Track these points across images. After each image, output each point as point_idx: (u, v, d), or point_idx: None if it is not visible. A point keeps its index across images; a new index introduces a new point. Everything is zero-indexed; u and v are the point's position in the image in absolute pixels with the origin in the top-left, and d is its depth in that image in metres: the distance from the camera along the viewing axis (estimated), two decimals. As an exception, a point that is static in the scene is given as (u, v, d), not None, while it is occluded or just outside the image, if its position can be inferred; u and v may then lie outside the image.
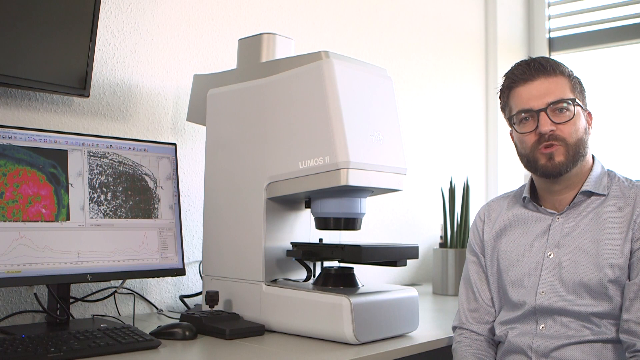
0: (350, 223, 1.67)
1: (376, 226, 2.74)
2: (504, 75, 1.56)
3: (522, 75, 1.50)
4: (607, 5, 3.38)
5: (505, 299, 1.56)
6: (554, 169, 1.47)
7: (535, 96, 1.48)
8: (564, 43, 3.51)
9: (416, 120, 3.02)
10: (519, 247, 1.56)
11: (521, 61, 1.54)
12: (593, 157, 1.57)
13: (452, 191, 2.68)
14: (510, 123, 1.55)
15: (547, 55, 3.51)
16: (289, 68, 1.64)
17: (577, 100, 1.48)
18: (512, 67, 1.55)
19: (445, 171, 3.04)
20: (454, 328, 1.66)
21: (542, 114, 1.46)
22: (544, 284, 1.48)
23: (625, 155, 3.16)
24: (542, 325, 1.47)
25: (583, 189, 1.50)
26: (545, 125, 1.46)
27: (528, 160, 1.52)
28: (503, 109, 1.59)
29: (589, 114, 1.54)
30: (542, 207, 1.56)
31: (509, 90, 1.54)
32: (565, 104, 1.46)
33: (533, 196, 1.59)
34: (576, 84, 1.51)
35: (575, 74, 1.54)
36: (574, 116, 1.47)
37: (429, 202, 3.00)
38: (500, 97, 1.59)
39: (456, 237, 2.63)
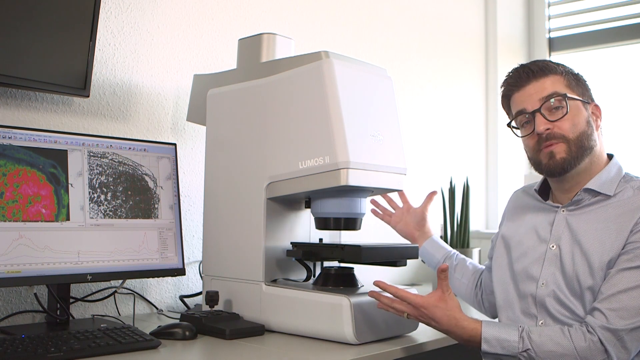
0: (350, 223, 1.67)
1: (376, 226, 2.73)
2: (501, 85, 1.60)
3: (515, 82, 1.55)
4: (607, 5, 3.38)
5: (516, 287, 1.56)
6: (556, 166, 1.48)
7: (528, 99, 1.51)
8: (564, 43, 3.51)
9: (416, 120, 3.02)
10: (528, 237, 1.57)
11: (513, 69, 1.57)
12: (610, 156, 1.55)
13: (452, 191, 2.68)
14: (513, 129, 1.59)
15: (547, 56, 3.52)
16: (289, 68, 1.64)
17: (569, 95, 1.48)
18: (506, 76, 1.59)
19: (445, 171, 3.04)
20: None
21: (537, 114, 1.48)
22: (545, 276, 1.49)
23: (626, 155, 3.16)
24: (542, 322, 1.47)
25: (586, 186, 1.49)
26: (541, 125, 1.48)
27: (534, 163, 1.54)
28: (508, 117, 1.62)
29: (596, 106, 1.53)
30: (548, 201, 1.57)
31: (508, 98, 1.59)
32: (555, 100, 1.47)
33: (543, 190, 1.60)
34: (571, 80, 1.51)
35: (572, 70, 1.54)
36: (568, 111, 1.47)
37: (429, 202, 3.00)
38: (503, 107, 1.63)
39: (456, 237, 2.63)
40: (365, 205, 1.69)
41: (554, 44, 3.55)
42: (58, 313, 1.64)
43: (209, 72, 2.11)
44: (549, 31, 3.57)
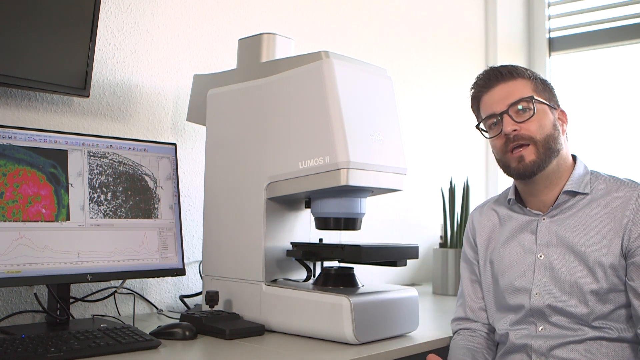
0: (350, 223, 1.67)
1: (376, 226, 2.73)
2: (471, 87, 1.61)
3: (484, 84, 1.56)
4: (607, 5, 3.38)
5: (503, 302, 1.56)
6: (525, 169, 1.49)
7: (496, 101, 1.53)
8: (564, 43, 3.51)
9: (416, 120, 3.02)
10: (511, 250, 1.57)
11: (482, 71, 1.59)
12: (575, 157, 1.58)
13: (452, 191, 2.68)
14: (482, 131, 1.60)
15: (547, 56, 3.52)
16: (289, 68, 1.64)
17: (537, 98, 1.50)
18: (475, 78, 1.60)
19: (445, 171, 3.04)
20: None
21: (505, 116, 1.50)
22: (538, 286, 1.49)
23: (624, 155, 3.16)
24: (542, 327, 1.48)
25: (565, 188, 1.51)
26: (508, 126, 1.50)
27: (503, 165, 1.56)
28: (477, 119, 1.62)
29: (562, 112, 1.57)
30: (528, 208, 1.57)
31: (477, 100, 1.60)
32: (524, 103, 1.50)
33: (518, 198, 1.60)
34: (538, 85, 1.54)
35: (540, 75, 1.58)
36: (535, 113, 1.49)
37: (429, 202, 3.00)
38: (472, 109, 1.63)
39: (456, 237, 2.63)
40: (365, 205, 1.69)
41: (554, 44, 3.55)
42: (58, 313, 1.64)
43: (209, 72, 2.11)
44: (549, 31, 3.57)
